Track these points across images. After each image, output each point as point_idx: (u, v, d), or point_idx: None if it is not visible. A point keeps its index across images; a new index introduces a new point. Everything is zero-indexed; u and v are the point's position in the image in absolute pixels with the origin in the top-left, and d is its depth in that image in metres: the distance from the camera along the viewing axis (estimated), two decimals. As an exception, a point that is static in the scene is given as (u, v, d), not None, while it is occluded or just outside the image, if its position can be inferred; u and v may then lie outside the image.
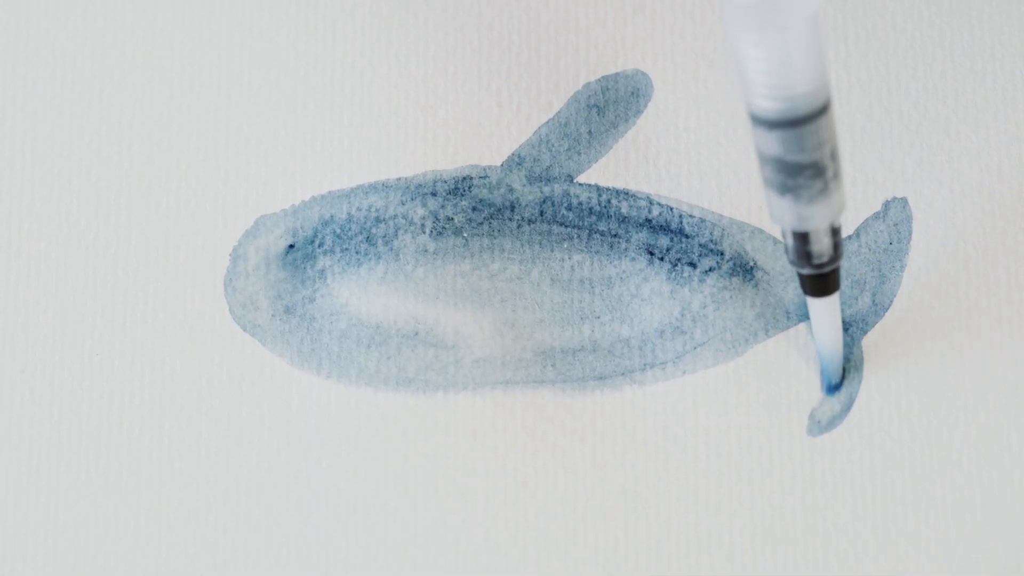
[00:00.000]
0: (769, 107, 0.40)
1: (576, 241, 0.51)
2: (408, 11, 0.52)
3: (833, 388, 0.49)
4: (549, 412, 0.49)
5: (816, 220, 0.42)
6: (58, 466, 0.49)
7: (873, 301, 0.50)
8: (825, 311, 0.47)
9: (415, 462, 0.49)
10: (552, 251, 0.51)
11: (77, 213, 0.51)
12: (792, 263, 0.44)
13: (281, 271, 0.51)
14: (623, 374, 0.50)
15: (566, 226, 0.51)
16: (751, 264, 0.51)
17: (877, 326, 0.50)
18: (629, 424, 0.49)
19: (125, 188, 0.51)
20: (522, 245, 0.51)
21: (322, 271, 0.51)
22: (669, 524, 0.49)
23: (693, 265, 0.51)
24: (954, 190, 0.51)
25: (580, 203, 0.51)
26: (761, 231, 0.51)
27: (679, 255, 0.51)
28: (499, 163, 0.52)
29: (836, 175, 0.41)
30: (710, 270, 0.51)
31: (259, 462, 0.49)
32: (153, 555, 0.49)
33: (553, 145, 0.52)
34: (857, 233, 0.51)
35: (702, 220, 0.51)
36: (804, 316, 0.50)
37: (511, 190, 0.51)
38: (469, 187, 0.51)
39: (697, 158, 0.51)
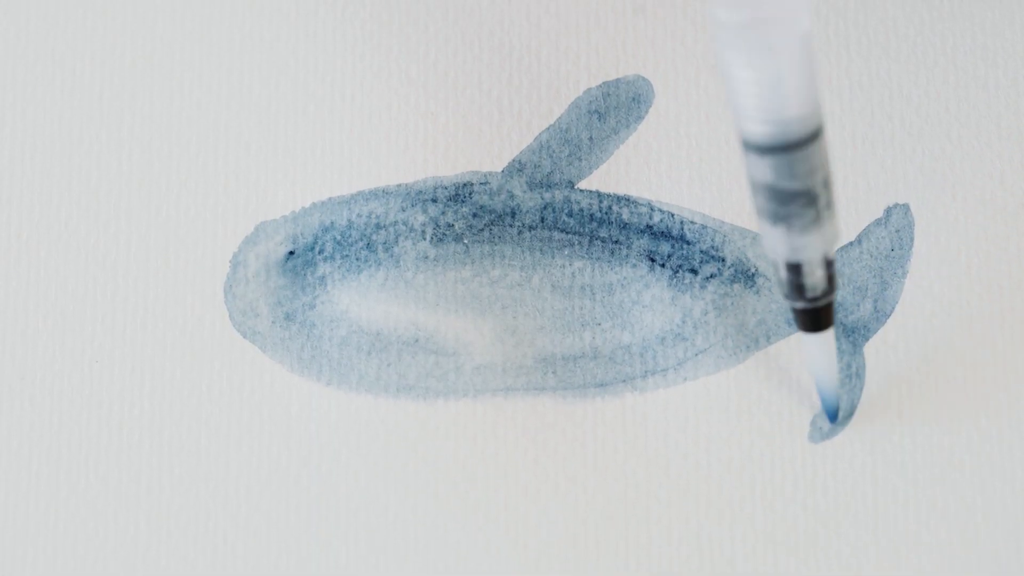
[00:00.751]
0: (760, 131, 0.39)
1: (577, 247, 0.51)
2: (408, 17, 0.52)
3: (832, 417, 0.49)
4: (550, 419, 0.49)
5: (809, 251, 0.42)
6: (58, 473, 0.49)
7: (875, 307, 0.50)
8: (820, 347, 0.46)
9: (416, 469, 0.49)
10: (553, 257, 0.51)
11: (77, 219, 0.51)
12: (785, 297, 0.44)
13: (281, 278, 0.51)
14: (624, 381, 0.50)
15: (567, 232, 0.51)
16: (752, 271, 0.50)
17: (879, 332, 0.50)
18: (630, 431, 0.49)
19: (125, 194, 0.51)
20: (523, 251, 0.51)
21: (322, 278, 0.51)
22: (670, 531, 0.48)
23: (694, 271, 0.50)
24: (956, 196, 0.51)
25: (581, 209, 0.51)
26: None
27: (680, 261, 0.51)
28: (500, 169, 0.51)
29: (829, 204, 0.41)
30: (711, 276, 0.50)
31: (259, 469, 0.49)
32: (153, 562, 0.48)
33: (554, 151, 0.52)
34: (859, 239, 0.50)
35: (703, 226, 0.51)
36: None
37: (512, 196, 0.51)
38: (470, 193, 0.51)
39: (699, 164, 0.51)
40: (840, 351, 0.50)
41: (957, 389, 0.49)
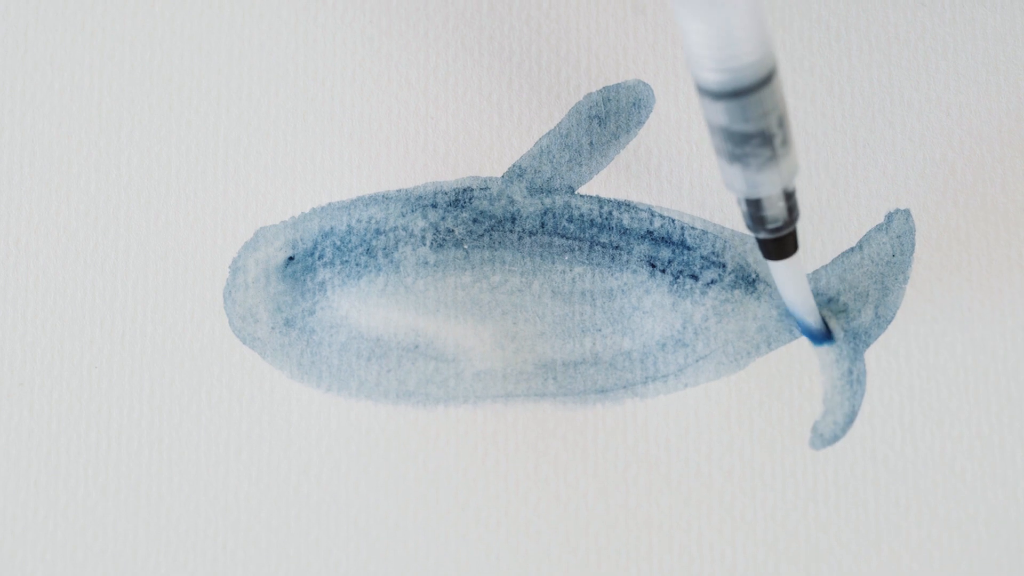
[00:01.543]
0: (713, 79, 0.40)
1: (577, 253, 0.51)
2: (408, 23, 0.52)
3: (819, 339, 0.49)
4: (550, 425, 0.49)
5: (767, 187, 0.42)
6: (56, 479, 0.49)
7: (876, 313, 0.50)
8: (787, 272, 0.47)
9: (415, 475, 0.49)
10: (553, 263, 0.51)
11: (76, 225, 0.51)
12: (748, 228, 0.44)
13: (281, 283, 0.51)
14: (625, 387, 0.50)
15: (567, 238, 0.51)
16: (753, 276, 0.50)
17: (880, 338, 0.50)
18: (631, 437, 0.49)
19: (124, 200, 0.51)
20: (523, 257, 0.51)
21: (322, 283, 0.51)
22: (671, 537, 0.48)
23: (695, 277, 0.50)
24: (957, 202, 0.51)
25: (581, 215, 0.51)
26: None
27: (681, 267, 0.51)
28: (500, 175, 0.51)
29: (785, 141, 0.41)
30: (712, 282, 0.50)
31: (259, 475, 0.49)
32: (152, 569, 0.48)
33: (554, 156, 0.52)
34: (860, 245, 0.50)
35: (704, 232, 0.51)
36: (807, 329, 0.50)
37: (512, 202, 0.51)
38: (470, 199, 0.51)
39: (699, 169, 0.51)
40: (841, 357, 0.50)
41: (958, 395, 0.49)
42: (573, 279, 0.51)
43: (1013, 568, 0.48)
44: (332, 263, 0.51)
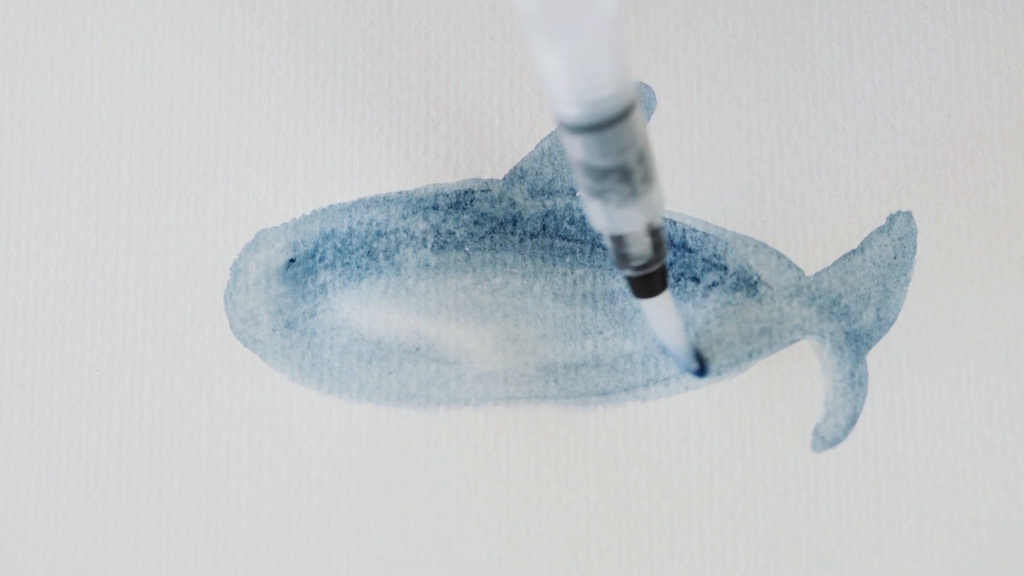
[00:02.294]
0: (570, 112, 0.39)
1: (579, 255, 0.51)
2: (410, 24, 0.52)
3: (695, 373, 0.49)
4: (552, 428, 0.49)
5: (629, 223, 0.42)
6: (57, 482, 0.49)
7: (878, 316, 0.50)
8: (657, 310, 0.47)
9: (416, 478, 0.49)
10: (555, 265, 0.51)
11: (76, 228, 0.51)
12: (614, 264, 0.44)
13: (282, 285, 0.51)
14: (626, 389, 0.50)
15: (569, 240, 0.51)
16: (755, 279, 0.50)
17: (882, 341, 0.50)
18: (632, 440, 0.49)
19: (125, 202, 0.51)
20: (524, 259, 0.51)
21: (323, 285, 0.51)
22: (672, 540, 0.48)
23: (696, 280, 0.50)
24: (959, 204, 0.51)
25: (582, 217, 0.51)
26: (765, 246, 0.50)
27: (682, 269, 0.50)
28: (501, 176, 0.51)
29: (646, 178, 0.41)
30: (713, 285, 0.50)
31: (259, 478, 0.49)
32: (153, 570, 0.48)
33: (556, 158, 0.52)
34: (862, 247, 0.50)
35: (705, 234, 0.50)
36: (808, 331, 0.50)
37: (513, 204, 0.51)
38: (471, 201, 0.51)
39: (700, 172, 0.51)
40: (843, 359, 0.50)
41: (960, 398, 0.49)
42: (575, 281, 0.51)
43: (1014, 570, 0.48)
44: (333, 265, 0.51)
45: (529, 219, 0.51)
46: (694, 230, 0.51)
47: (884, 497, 0.49)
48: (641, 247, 0.43)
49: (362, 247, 0.51)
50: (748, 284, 0.50)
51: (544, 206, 0.51)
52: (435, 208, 0.51)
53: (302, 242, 0.51)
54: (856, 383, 0.49)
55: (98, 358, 0.50)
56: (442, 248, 0.51)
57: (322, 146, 0.51)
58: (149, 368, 0.50)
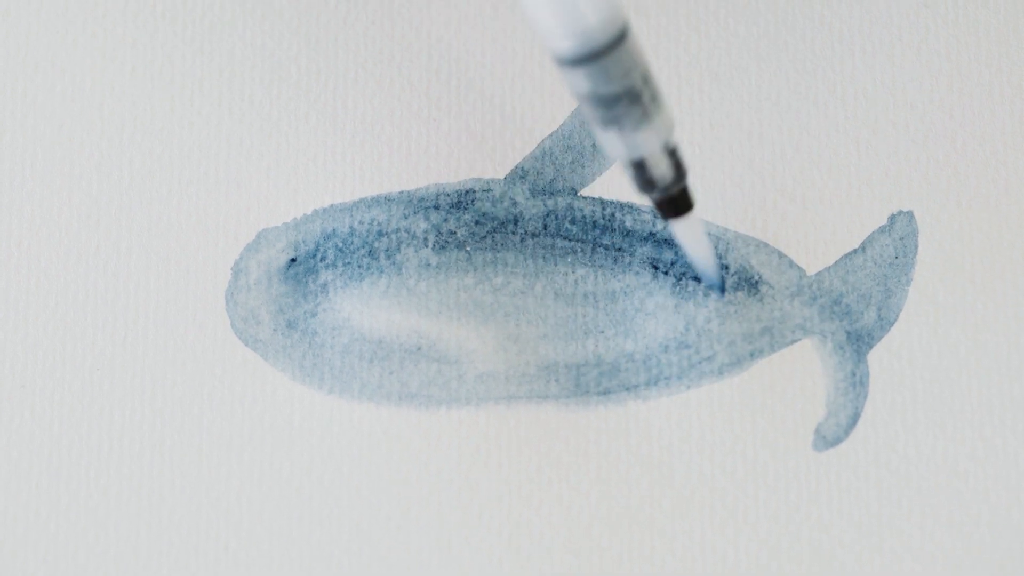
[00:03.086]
0: (565, 46, 0.40)
1: (580, 255, 0.51)
2: (411, 24, 0.52)
3: (721, 289, 0.49)
4: (553, 427, 0.49)
5: (646, 145, 0.42)
6: (58, 482, 0.49)
7: (879, 315, 0.50)
8: (686, 230, 0.47)
9: (418, 478, 0.49)
10: (556, 265, 0.51)
11: (77, 228, 0.51)
12: (640, 191, 0.44)
13: (283, 285, 0.51)
14: (627, 389, 0.50)
15: (570, 240, 0.51)
16: (756, 278, 0.50)
17: (883, 340, 0.50)
18: (633, 440, 0.49)
19: (126, 202, 0.51)
20: (525, 259, 0.51)
21: (324, 285, 0.50)
22: (673, 540, 0.48)
23: (698, 279, 0.50)
24: (960, 204, 0.51)
25: (584, 216, 0.51)
26: (766, 245, 0.50)
27: (684, 269, 0.50)
28: (502, 176, 0.51)
29: (654, 97, 0.42)
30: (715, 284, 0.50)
31: (260, 477, 0.49)
32: (155, 570, 0.48)
33: (557, 158, 0.52)
34: (863, 247, 0.50)
35: (707, 233, 0.50)
36: (810, 330, 0.50)
37: (514, 203, 0.51)
38: (472, 200, 0.51)
39: (701, 171, 0.51)
40: (844, 359, 0.50)
41: (961, 397, 0.49)
42: (576, 281, 0.51)
43: (1014, 570, 0.48)
44: (334, 265, 0.51)
45: (530, 219, 0.51)
46: None
47: (885, 496, 0.49)
48: (662, 168, 0.43)
49: (363, 247, 0.51)
50: (749, 283, 0.50)
51: (545, 206, 0.51)
52: (436, 208, 0.51)
53: (303, 242, 0.51)
54: (857, 383, 0.49)
55: (99, 358, 0.50)
56: (443, 248, 0.51)
57: (323, 146, 0.51)
58: (150, 368, 0.50)
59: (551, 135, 0.51)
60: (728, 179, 0.51)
